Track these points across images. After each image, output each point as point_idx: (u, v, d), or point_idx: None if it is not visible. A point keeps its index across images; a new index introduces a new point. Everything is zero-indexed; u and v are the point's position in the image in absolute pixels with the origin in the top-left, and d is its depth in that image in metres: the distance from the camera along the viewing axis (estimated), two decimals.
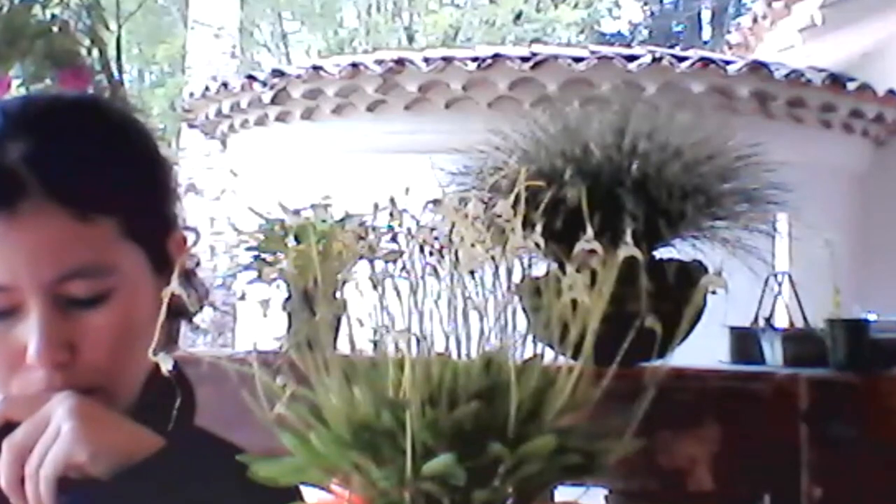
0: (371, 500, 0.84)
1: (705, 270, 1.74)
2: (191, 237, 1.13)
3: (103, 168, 1.03)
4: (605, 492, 1.86)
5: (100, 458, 0.95)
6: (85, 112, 1.09)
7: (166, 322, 0.98)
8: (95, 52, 3.33)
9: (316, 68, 6.93)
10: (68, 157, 1.02)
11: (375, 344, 0.86)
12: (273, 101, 7.02)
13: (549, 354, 0.88)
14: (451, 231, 0.86)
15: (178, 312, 1.09)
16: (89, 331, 1.01)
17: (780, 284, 2.22)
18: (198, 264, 1.16)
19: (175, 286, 0.85)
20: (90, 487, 0.96)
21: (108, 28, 3.69)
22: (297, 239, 1.49)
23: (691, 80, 6.38)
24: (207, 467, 0.99)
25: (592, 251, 0.86)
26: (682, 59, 6.52)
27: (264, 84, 6.98)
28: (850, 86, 6.83)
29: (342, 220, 1.52)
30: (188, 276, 1.12)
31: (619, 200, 1.70)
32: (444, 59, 6.66)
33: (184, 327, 1.16)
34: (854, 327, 1.90)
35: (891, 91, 7.06)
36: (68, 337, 1.00)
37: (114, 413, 1.01)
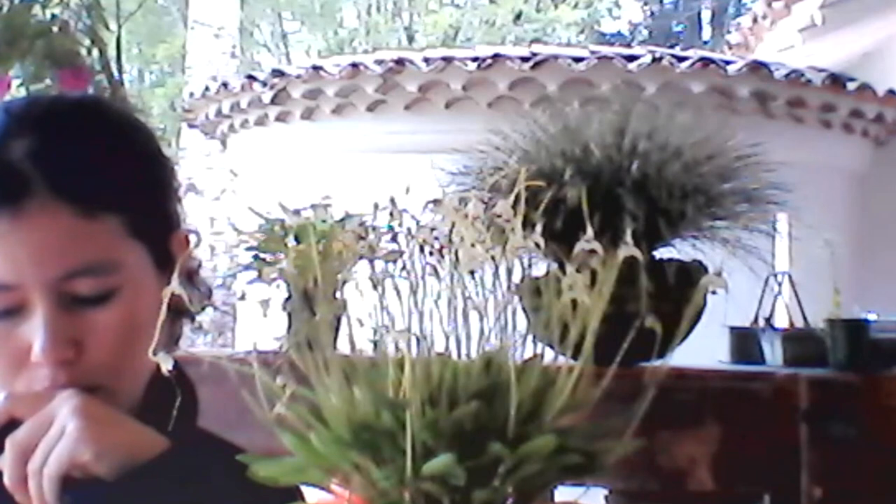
0: (371, 500, 0.84)
1: (705, 270, 1.74)
2: (192, 237, 1.13)
3: (107, 165, 1.04)
4: (605, 492, 1.86)
5: (104, 457, 0.95)
6: (88, 111, 1.10)
7: (169, 321, 0.99)
8: (95, 52, 3.32)
9: (316, 68, 6.92)
10: (72, 154, 1.02)
11: (375, 344, 0.86)
12: (273, 101, 7.01)
13: (549, 354, 0.88)
14: (451, 231, 0.86)
15: (181, 312, 1.09)
16: (94, 328, 1.01)
17: (780, 284, 2.22)
18: (200, 265, 1.16)
19: (175, 285, 0.85)
20: (94, 487, 0.96)
21: (108, 28, 3.69)
22: (297, 239, 1.49)
23: (691, 80, 6.37)
24: (210, 468, 0.99)
25: (592, 251, 0.86)
26: (682, 59, 6.51)
27: (264, 84, 6.97)
28: (850, 86, 6.82)
29: (342, 220, 1.52)
30: (190, 276, 1.12)
31: (619, 200, 1.70)
32: (444, 59, 6.66)
33: (186, 327, 1.16)
34: (854, 327, 1.90)
35: (891, 91, 7.06)
36: (73, 334, 1.00)
37: (118, 412, 1.01)
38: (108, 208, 1.01)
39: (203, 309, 1.15)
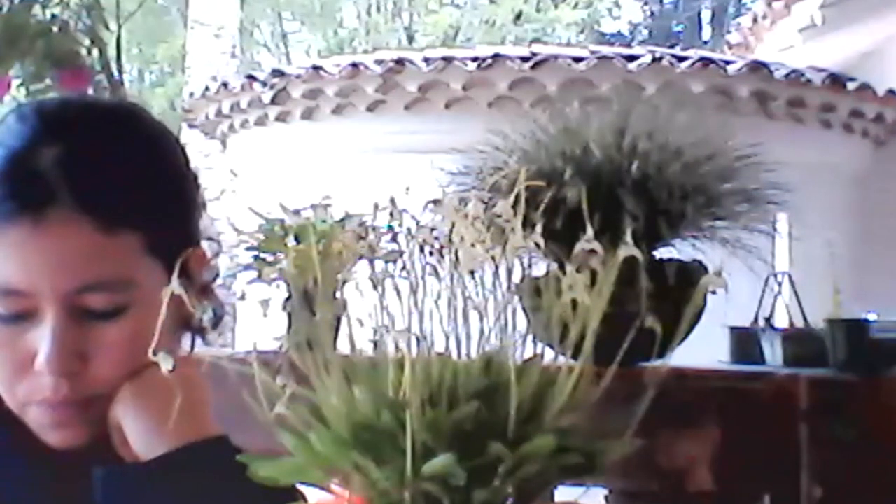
0: (371, 500, 0.84)
1: (705, 270, 1.74)
2: (213, 247, 1.12)
3: (134, 182, 1.03)
4: (605, 492, 1.86)
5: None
6: (121, 122, 1.08)
7: (172, 333, 0.99)
8: (95, 52, 3.33)
9: (316, 68, 6.93)
10: (101, 168, 1.01)
11: (375, 344, 0.86)
12: (273, 101, 7.02)
13: (549, 354, 0.88)
14: (451, 231, 0.86)
15: (186, 326, 1.09)
16: (102, 343, 1.00)
17: (780, 284, 2.22)
18: (216, 276, 1.15)
19: (175, 285, 0.85)
20: (127, 467, 0.99)
21: (108, 28, 3.69)
22: (297, 239, 1.49)
23: (691, 80, 6.38)
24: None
25: (592, 251, 0.86)
26: (682, 59, 6.52)
27: (264, 84, 6.98)
28: (850, 86, 6.83)
29: (342, 220, 1.53)
30: (205, 292, 1.11)
31: (619, 200, 1.70)
32: (444, 59, 6.66)
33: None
34: (854, 327, 1.90)
35: (891, 91, 7.06)
36: (80, 347, 1.00)
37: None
38: (130, 225, 1.00)
39: (215, 328, 1.14)
